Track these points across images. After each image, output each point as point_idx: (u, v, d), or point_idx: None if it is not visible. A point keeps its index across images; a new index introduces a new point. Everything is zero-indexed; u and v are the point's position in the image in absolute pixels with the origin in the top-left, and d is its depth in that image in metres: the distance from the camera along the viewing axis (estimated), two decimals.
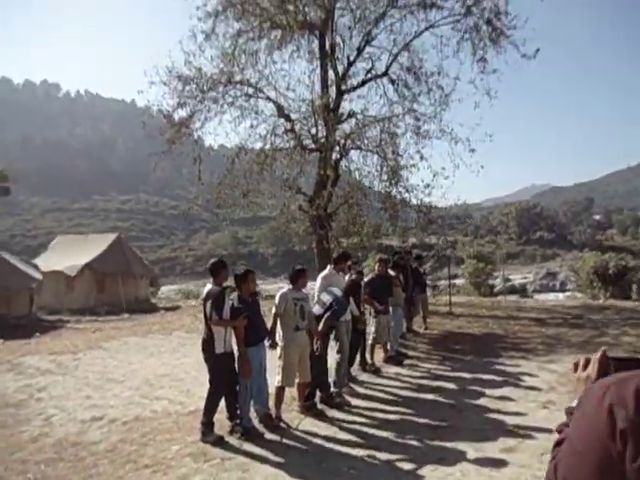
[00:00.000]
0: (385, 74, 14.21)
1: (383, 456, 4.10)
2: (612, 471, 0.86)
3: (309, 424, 4.91)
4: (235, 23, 13.74)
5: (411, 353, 8.01)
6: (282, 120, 13.52)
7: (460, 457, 4.04)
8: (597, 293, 15.37)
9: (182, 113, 13.52)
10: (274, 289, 18.35)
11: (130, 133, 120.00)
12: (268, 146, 13.33)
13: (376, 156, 13.90)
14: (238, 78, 13.35)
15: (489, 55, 13.17)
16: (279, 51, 14.16)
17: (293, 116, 13.35)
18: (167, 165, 14.41)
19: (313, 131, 13.51)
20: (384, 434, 4.63)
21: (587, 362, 1.14)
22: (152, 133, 13.78)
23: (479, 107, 13.30)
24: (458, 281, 23.98)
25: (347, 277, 6.57)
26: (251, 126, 13.44)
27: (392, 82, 14.26)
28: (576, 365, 1.15)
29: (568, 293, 22.97)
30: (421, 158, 12.77)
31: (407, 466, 3.92)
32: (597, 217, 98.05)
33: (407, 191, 13.33)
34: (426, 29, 13.79)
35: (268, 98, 13.48)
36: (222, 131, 41.07)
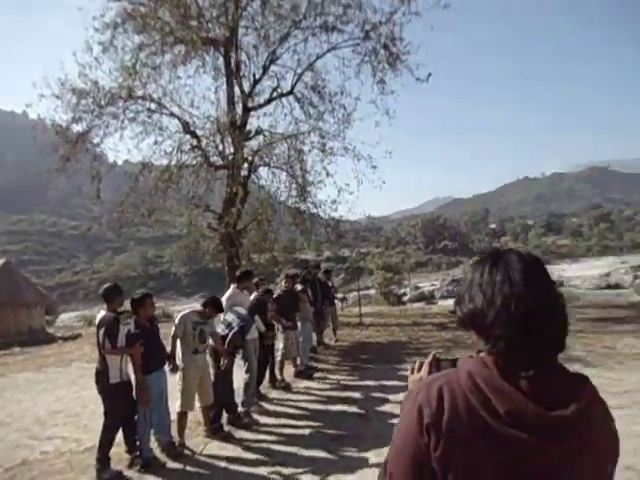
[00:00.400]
0: (291, 92, 14.54)
1: (288, 471, 4.13)
2: (423, 461, 0.99)
3: (215, 448, 4.80)
4: (136, 36, 13.30)
5: (321, 366, 8.15)
6: (188, 137, 13.27)
7: (362, 464, 4.19)
8: None
9: (78, 128, 12.77)
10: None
11: (21, 148, 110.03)
12: (174, 162, 12.99)
13: (285, 173, 14.12)
14: (140, 93, 12.90)
15: (388, 77, 14.00)
16: (183, 66, 13.93)
17: (199, 133, 13.16)
18: (64, 182, 13.48)
19: (220, 148, 13.41)
20: (291, 449, 4.67)
21: (421, 365, 1.28)
22: (46, 149, 12.86)
23: (380, 126, 14.07)
24: (371, 292, 24.85)
25: (254, 295, 6.57)
26: (155, 142, 13.03)
27: (298, 100, 14.62)
28: (413, 369, 1.28)
29: None
30: (327, 174, 13.18)
31: (311, 478, 3.99)
32: (493, 226, 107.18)
33: (315, 206, 13.70)
34: (328, 51, 14.36)
35: (172, 114, 13.17)
36: (124, 147, 39.17)
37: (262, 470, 4.20)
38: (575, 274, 43.01)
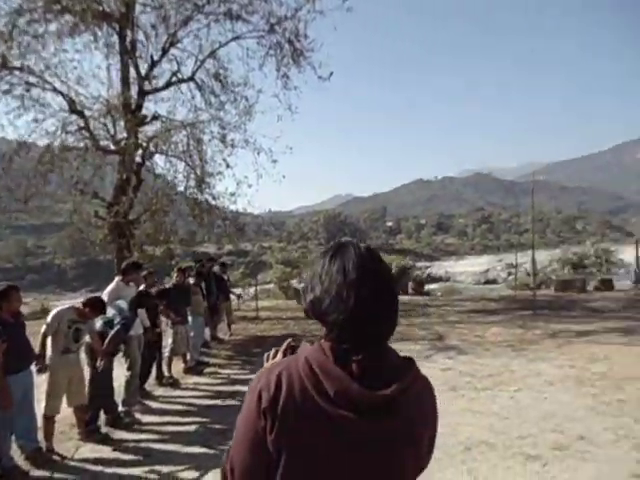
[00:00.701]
0: (191, 79, 14.02)
1: (167, 469, 4.00)
2: (260, 444, 1.02)
3: (89, 451, 4.49)
4: None
5: (213, 361, 8.00)
6: (74, 116, 12.22)
7: None
8: None
9: None
10: None
11: None
12: (57, 144, 11.90)
13: (183, 162, 13.62)
14: (17, 63, 11.59)
15: (291, 73, 14.06)
16: (71, 39, 12.74)
17: (87, 113, 12.17)
18: None
19: (112, 131, 12.56)
20: (173, 447, 4.53)
21: (276, 353, 1.31)
22: None
23: (282, 120, 14.12)
24: (270, 286, 24.86)
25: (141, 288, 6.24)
26: (35, 120, 11.81)
27: (199, 88, 14.15)
28: (268, 357, 1.31)
29: None
30: (227, 166, 12.96)
31: (190, 475, 3.91)
32: (390, 224, 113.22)
33: (214, 198, 13.39)
34: (232, 40, 14.05)
35: (55, 90, 12.01)
36: None
37: (138, 471, 4.02)
38: (460, 270, 46.97)
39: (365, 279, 1.06)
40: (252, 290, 17.92)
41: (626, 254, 19.92)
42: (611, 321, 9.92)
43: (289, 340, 1.32)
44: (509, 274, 36.82)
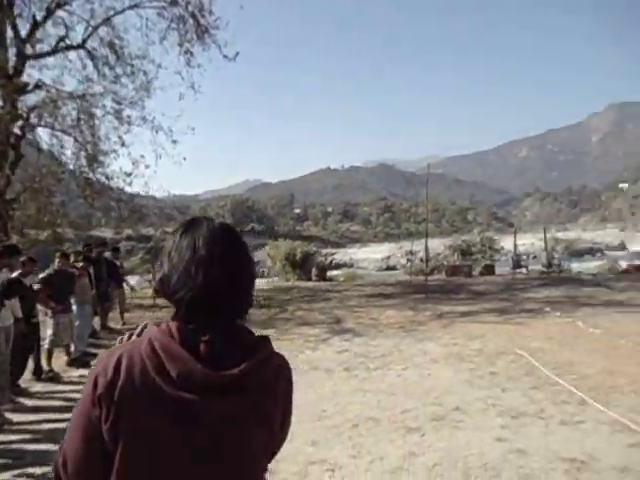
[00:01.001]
0: (82, 46, 12.88)
1: (40, 470, 3.68)
2: (95, 433, 0.95)
3: None
4: None
5: (102, 352, 7.50)
6: None
7: None
8: (288, 276, 17.89)
9: None
10: None
11: None
12: None
13: (72, 138, 12.54)
14: None
15: (195, 50, 13.48)
16: None
17: None
18: None
19: None
20: (48, 446, 4.15)
21: (130, 336, 1.23)
22: None
23: (184, 99, 13.54)
24: None
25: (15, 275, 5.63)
26: None
27: (91, 57, 13.04)
28: (122, 340, 1.22)
29: (270, 278, 25.81)
30: (122, 144, 12.17)
31: None
32: (297, 211, 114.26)
33: (108, 178, 12.52)
34: (130, 8, 13.11)
35: None
36: None
37: (7, 475, 3.65)
38: (363, 257, 48.79)
39: (216, 256, 1.02)
40: (151, 277, 17.08)
41: (507, 242, 22.11)
42: (490, 302, 10.96)
43: (145, 323, 1.25)
44: (407, 261, 38.92)
